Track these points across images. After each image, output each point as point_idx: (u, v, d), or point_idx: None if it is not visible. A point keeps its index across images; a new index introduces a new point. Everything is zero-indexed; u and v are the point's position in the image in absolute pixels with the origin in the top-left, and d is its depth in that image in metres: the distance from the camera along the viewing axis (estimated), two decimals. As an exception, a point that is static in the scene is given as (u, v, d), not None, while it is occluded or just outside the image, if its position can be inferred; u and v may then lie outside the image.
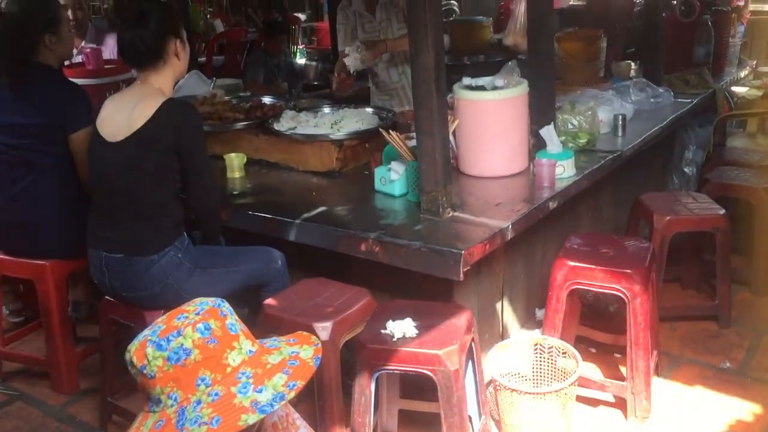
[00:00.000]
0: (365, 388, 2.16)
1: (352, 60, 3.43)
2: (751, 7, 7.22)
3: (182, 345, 1.33)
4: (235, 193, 2.95)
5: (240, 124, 3.28)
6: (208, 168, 2.53)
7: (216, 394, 1.32)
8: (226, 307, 1.44)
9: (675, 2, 4.70)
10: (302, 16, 8.39)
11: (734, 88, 5.09)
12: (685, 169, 4.16)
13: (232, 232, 2.78)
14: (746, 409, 2.69)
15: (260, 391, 1.33)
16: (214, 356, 1.34)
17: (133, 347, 1.37)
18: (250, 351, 1.40)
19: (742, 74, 4.82)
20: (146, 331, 1.40)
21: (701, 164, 4.11)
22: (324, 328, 2.23)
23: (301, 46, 7.57)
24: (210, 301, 1.44)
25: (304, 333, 1.54)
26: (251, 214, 2.74)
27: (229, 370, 1.35)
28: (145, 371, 1.34)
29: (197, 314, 1.38)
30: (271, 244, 2.70)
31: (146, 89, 2.46)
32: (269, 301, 2.43)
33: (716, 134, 4.14)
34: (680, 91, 4.03)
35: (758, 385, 2.83)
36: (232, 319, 1.42)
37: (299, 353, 1.43)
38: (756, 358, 3.00)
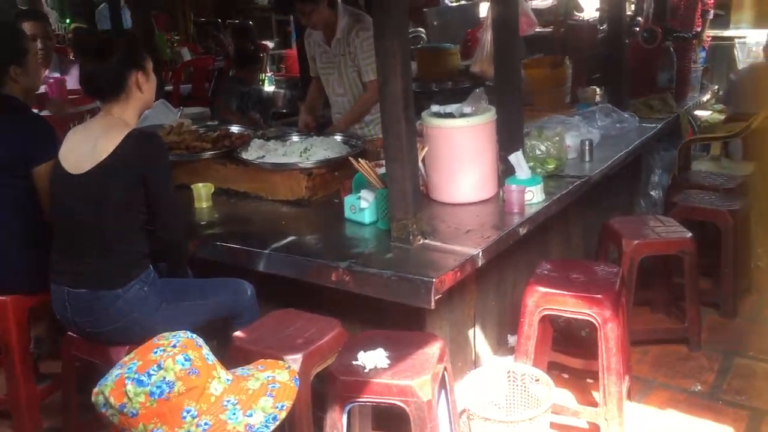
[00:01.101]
0: (337, 421, 2.12)
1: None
2: (712, 33, 7.43)
3: (165, 378, 1.30)
4: (202, 223, 2.91)
5: (207, 154, 3.24)
6: (174, 199, 2.49)
7: (206, 424, 1.30)
8: (199, 338, 1.43)
9: (638, 29, 4.80)
10: (270, 44, 8.41)
11: (697, 113, 5.20)
12: (652, 193, 4.21)
13: (200, 264, 2.73)
14: (718, 432, 2.71)
15: (250, 415, 1.32)
16: (197, 387, 1.33)
17: (107, 387, 1.33)
18: (227, 379, 1.40)
19: (705, 99, 4.92)
20: (118, 370, 1.37)
21: (667, 188, 4.17)
22: (294, 360, 2.19)
23: (269, 74, 7.57)
24: (182, 333, 1.43)
25: (269, 360, 1.53)
26: (219, 245, 2.70)
27: (213, 399, 1.34)
28: (125, 410, 1.30)
29: (174, 346, 1.37)
30: (240, 275, 2.66)
31: (110, 121, 2.42)
32: (238, 333, 2.39)
33: (681, 158, 4.21)
34: (645, 116, 4.10)
35: (729, 408, 2.84)
36: (207, 350, 1.42)
37: (275, 377, 1.43)
38: (726, 381, 3.02)
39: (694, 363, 3.16)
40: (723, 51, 7.34)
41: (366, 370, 2.11)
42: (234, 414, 1.32)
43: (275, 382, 1.41)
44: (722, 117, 4.96)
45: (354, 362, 2.15)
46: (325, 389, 2.18)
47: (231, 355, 2.28)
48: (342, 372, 2.13)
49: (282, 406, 1.36)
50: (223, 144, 3.33)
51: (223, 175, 3.19)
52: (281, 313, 2.50)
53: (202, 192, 3.06)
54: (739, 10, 7.53)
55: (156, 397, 1.29)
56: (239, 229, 2.82)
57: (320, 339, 2.30)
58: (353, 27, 3.69)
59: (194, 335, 1.42)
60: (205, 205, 3.05)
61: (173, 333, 1.42)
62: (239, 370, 1.47)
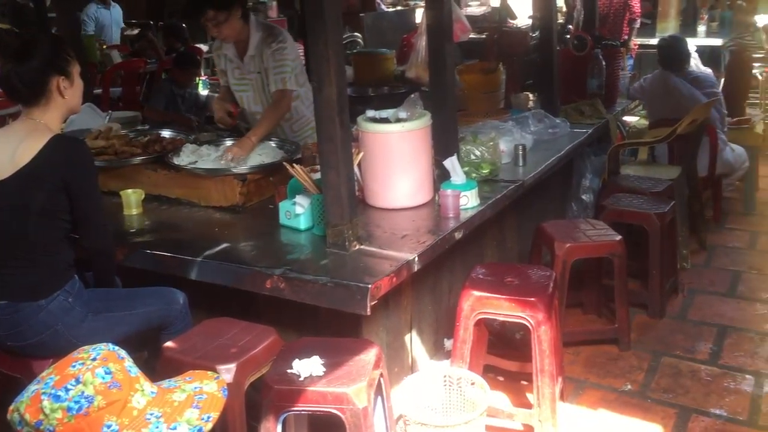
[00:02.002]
0: (271, 430, 2.08)
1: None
2: (639, 41, 7.68)
3: (83, 393, 1.26)
4: (132, 231, 2.83)
5: (137, 159, 3.16)
6: (100, 206, 2.41)
7: None
8: (121, 350, 1.38)
9: (568, 36, 4.91)
10: (204, 47, 8.26)
11: (626, 118, 5.36)
12: (583, 197, 4.31)
13: (129, 273, 2.66)
14: (647, 430, 2.78)
15: (174, 428, 1.29)
16: (118, 400, 1.28)
17: (22, 404, 1.28)
18: (152, 392, 1.35)
19: (632, 105, 5.07)
20: (34, 386, 1.31)
21: (598, 191, 4.27)
22: (228, 370, 2.14)
23: (203, 78, 7.43)
24: (104, 345, 1.38)
25: (198, 371, 1.49)
26: (149, 253, 2.63)
27: (135, 413, 1.29)
28: (42, 427, 1.25)
29: (94, 360, 1.32)
30: (171, 283, 2.60)
31: (31, 125, 2.32)
32: (169, 344, 2.32)
33: (610, 162, 4.32)
34: (576, 122, 4.19)
35: (658, 406, 2.92)
36: (130, 362, 1.37)
37: (203, 388, 1.40)
38: (655, 380, 3.11)
39: (624, 363, 3.24)
40: (649, 58, 7.59)
41: (301, 379, 2.08)
42: (157, 427, 1.28)
43: (202, 393, 1.38)
44: (647, 123, 5.12)
45: (289, 370, 2.11)
46: (260, 399, 2.14)
47: (162, 367, 2.22)
48: (276, 381, 2.09)
49: (208, 418, 1.33)
50: (154, 149, 3.25)
51: (154, 181, 3.11)
52: (214, 321, 2.45)
53: (132, 199, 2.97)
54: (665, 20, 7.80)
55: (74, 412, 1.24)
56: (171, 237, 2.75)
57: (255, 348, 2.26)
58: (266, 41, 3.49)
59: (116, 347, 1.37)
60: (134, 212, 2.97)
61: (94, 346, 1.37)
62: (165, 383, 1.43)
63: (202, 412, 1.33)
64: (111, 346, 1.38)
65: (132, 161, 3.15)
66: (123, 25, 8.93)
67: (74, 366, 1.30)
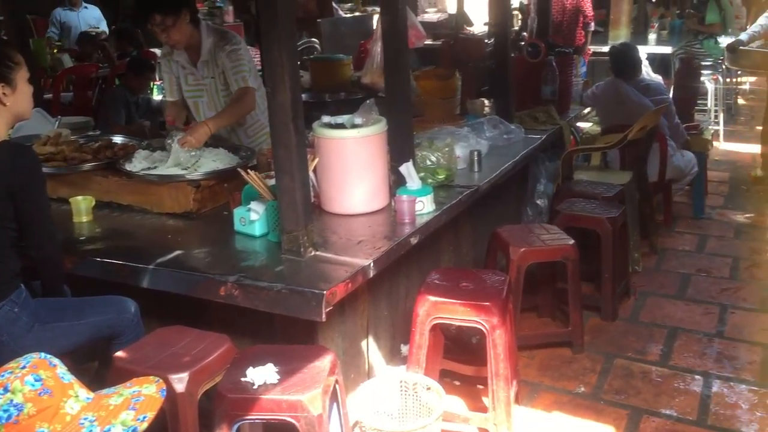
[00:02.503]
0: (225, 440, 2.06)
1: (177, 155, 3.18)
2: (592, 48, 7.83)
3: (12, 401, 1.23)
4: (81, 238, 2.77)
5: (87, 165, 3.10)
6: (48, 213, 2.36)
7: None
8: (54, 357, 1.36)
9: (523, 44, 4.98)
10: (158, 51, 8.14)
11: (579, 124, 5.45)
12: (538, 202, 4.36)
13: (79, 282, 2.60)
14: None
15: (108, 431, 1.26)
16: (50, 407, 1.26)
17: None
18: (87, 398, 1.34)
19: (585, 111, 5.16)
20: (-37, 397, 1.28)
21: (552, 196, 4.33)
22: (180, 380, 2.12)
23: (158, 82, 7.33)
24: (35, 354, 1.36)
25: (141, 377, 1.48)
26: (100, 261, 2.58)
27: (68, 418, 1.27)
28: None
29: (23, 368, 1.30)
30: (123, 292, 2.55)
31: (-25, 132, 2.26)
32: (120, 353, 2.28)
33: (564, 168, 4.38)
34: (530, 128, 4.25)
35: (610, 407, 2.97)
36: (63, 369, 1.35)
37: (141, 391, 1.39)
38: (607, 382, 3.16)
39: (578, 365, 3.29)
40: (601, 65, 7.74)
41: (255, 387, 2.06)
42: (91, 431, 1.26)
43: (140, 395, 1.37)
44: (599, 129, 5.21)
45: (242, 379, 2.09)
46: (213, 408, 2.12)
47: (112, 377, 2.16)
48: (229, 389, 2.07)
49: (143, 418, 1.32)
50: (105, 155, 3.19)
51: (105, 187, 3.05)
52: (167, 330, 2.41)
53: (82, 206, 2.91)
54: (617, 27, 7.97)
55: (3, 421, 1.22)
56: (122, 244, 2.70)
57: (208, 356, 2.23)
58: (219, 45, 3.46)
59: (48, 355, 1.35)
60: (84, 219, 2.91)
61: (25, 355, 1.35)
62: (105, 390, 1.41)
63: (138, 413, 1.32)
64: (43, 354, 1.36)
65: (82, 168, 3.09)
66: (99, 27, 8.73)
67: (2, 375, 1.28)
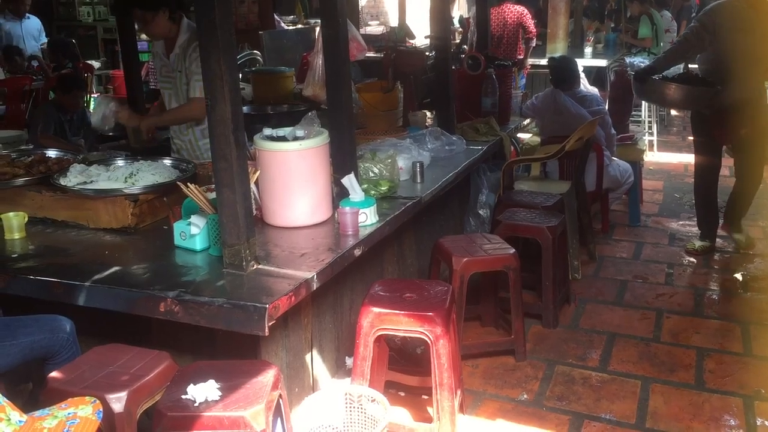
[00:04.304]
0: (165, 460, 2.02)
1: (96, 116, 3.29)
2: (531, 60, 8.00)
3: None
4: (14, 256, 2.68)
5: (20, 180, 3.00)
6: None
7: None
8: None
9: (463, 56, 5.06)
10: (96, 64, 7.97)
11: (519, 135, 5.55)
12: (480, 212, 4.42)
13: (12, 301, 2.52)
14: (543, 438, 2.87)
15: None
16: None
17: None
18: (20, 421, 1.28)
19: (525, 122, 5.26)
20: None
21: (494, 207, 4.39)
22: (118, 399, 2.06)
23: (95, 95, 7.17)
24: None
25: (75, 397, 1.43)
26: (33, 279, 2.50)
27: None
28: None
29: None
30: (59, 310, 2.48)
31: None
32: (55, 374, 2.21)
33: (504, 178, 4.46)
34: (471, 139, 4.31)
35: (552, 414, 3.02)
36: None
37: (77, 413, 1.34)
38: (549, 388, 3.21)
39: (521, 373, 3.34)
40: (540, 78, 7.92)
41: (196, 404, 2.03)
42: None
43: (75, 417, 1.32)
44: (539, 140, 5.32)
45: (183, 396, 2.05)
46: (152, 427, 2.07)
47: (46, 398, 2.09)
48: (169, 408, 2.02)
49: None
50: (39, 170, 3.10)
51: (39, 203, 2.96)
52: (104, 348, 2.35)
53: (14, 222, 2.81)
54: (554, 41, 8.16)
55: None
56: (56, 261, 2.62)
57: (147, 374, 2.19)
58: (191, 43, 3.57)
59: None
60: (17, 236, 2.81)
61: None
62: (39, 411, 1.36)
63: None
64: None
65: (14, 183, 2.99)
66: (41, 38, 8.48)
67: None
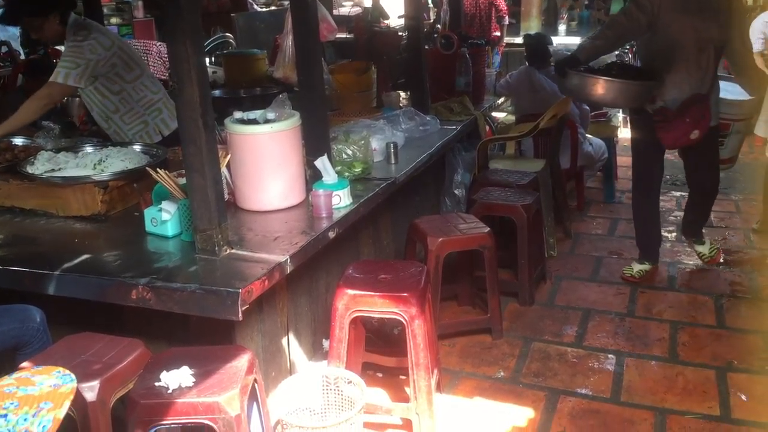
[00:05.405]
0: (140, 447, 2.01)
1: None
2: (506, 39, 8.00)
3: None
4: (-20, 246, 2.64)
5: (-15, 169, 2.95)
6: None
7: None
8: None
9: (436, 36, 5.03)
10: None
11: (494, 114, 5.55)
12: (456, 192, 4.42)
13: (-21, 292, 2.47)
14: (520, 414, 2.89)
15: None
16: None
17: None
18: None
19: (500, 101, 5.26)
20: None
21: (469, 186, 4.40)
22: (90, 388, 2.04)
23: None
24: None
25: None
26: (1, 269, 2.46)
27: None
28: None
29: None
30: (29, 300, 2.45)
31: None
32: (26, 364, 2.18)
33: (480, 157, 4.46)
34: (446, 119, 4.30)
35: (528, 390, 3.05)
36: None
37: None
38: (526, 365, 3.24)
39: (497, 351, 3.36)
40: (514, 56, 7.92)
41: (169, 391, 2.01)
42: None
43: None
44: (514, 118, 5.32)
45: (156, 383, 2.04)
46: (126, 414, 2.06)
47: (17, 389, 2.08)
48: (142, 395, 2.01)
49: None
50: (5, 158, 3.05)
51: (6, 191, 2.91)
52: (76, 337, 2.32)
53: (-20, 211, 2.77)
54: (528, 19, 8.16)
55: None
56: (25, 250, 2.58)
57: (120, 362, 2.17)
58: (67, 38, 3.52)
59: None
60: (-16, 225, 2.77)
61: None
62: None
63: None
64: None
65: (-21, 172, 2.94)
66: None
67: None
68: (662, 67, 3.61)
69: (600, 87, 3.58)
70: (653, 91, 3.63)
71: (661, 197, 4.17)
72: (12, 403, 1.34)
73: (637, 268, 4.06)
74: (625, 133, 7.18)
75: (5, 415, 1.31)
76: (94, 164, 2.97)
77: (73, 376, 1.52)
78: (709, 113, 3.63)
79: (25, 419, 1.33)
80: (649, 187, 3.98)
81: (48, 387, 1.42)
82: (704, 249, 4.19)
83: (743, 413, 2.85)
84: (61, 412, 1.40)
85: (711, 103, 3.67)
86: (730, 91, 4.10)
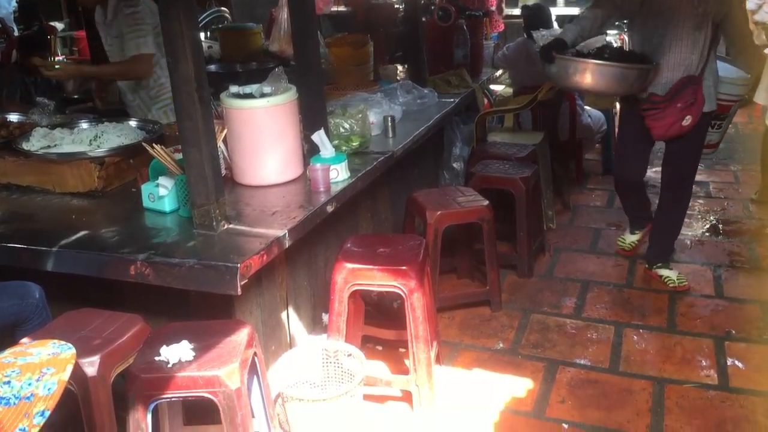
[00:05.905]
0: (140, 421, 2.02)
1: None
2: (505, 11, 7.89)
3: None
4: (-22, 223, 2.63)
5: (-19, 146, 2.93)
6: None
7: None
8: None
9: (434, 8, 4.98)
10: (60, 25, 7.75)
11: (492, 86, 5.52)
12: (454, 165, 4.41)
13: (-22, 268, 2.47)
14: (519, 385, 2.91)
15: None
16: None
17: None
18: None
19: (498, 73, 5.22)
20: None
21: (468, 159, 4.38)
22: (91, 363, 2.05)
23: (59, 57, 6.99)
24: None
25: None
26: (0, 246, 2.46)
27: None
28: None
29: None
30: (28, 276, 2.44)
31: None
32: (25, 340, 2.18)
33: (478, 130, 4.44)
34: (443, 92, 4.27)
35: (527, 361, 3.07)
36: None
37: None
38: (525, 336, 3.26)
39: (496, 323, 3.37)
40: (514, 28, 7.84)
41: (169, 365, 2.02)
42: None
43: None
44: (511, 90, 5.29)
45: (156, 358, 2.05)
46: (126, 389, 2.07)
47: (18, 365, 2.09)
48: (143, 369, 2.02)
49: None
50: (0, 135, 3.03)
51: (2, 169, 2.90)
52: (76, 313, 2.33)
53: (-23, 189, 2.76)
54: (526, -10, 8.04)
55: None
56: (23, 227, 2.58)
57: (120, 338, 2.18)
58: (119, 5, 3.51)
59: None
60: (-19, 203, 2.76)
61: None
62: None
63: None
64: None
65: (-25, 149, 2.93)
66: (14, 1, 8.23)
67: None
68: (656, 49, 3.37)
69: (590, 71, 3.30)
70: (650, 75, 3.35)
71: (650, 170, 4.07)
72: (14, 371, 1.35)
73: (629, 239, 4.01)
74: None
75: (8, 382, 1.31)
76: (90, 140, 2.96)
77: (70, 345, 1.52)
78: (701, 97, 3.33)
79: (29, 383, 1.34)
80: (633, 175, 3.73)
81: (47, 355, 1.42)
82: (672, 274, 3.67)
83: (741, 382, 2.87)
84: (66, 375, 1.41)
85: (705, 86, 3.37)
86: (729, 70, 3.93)
